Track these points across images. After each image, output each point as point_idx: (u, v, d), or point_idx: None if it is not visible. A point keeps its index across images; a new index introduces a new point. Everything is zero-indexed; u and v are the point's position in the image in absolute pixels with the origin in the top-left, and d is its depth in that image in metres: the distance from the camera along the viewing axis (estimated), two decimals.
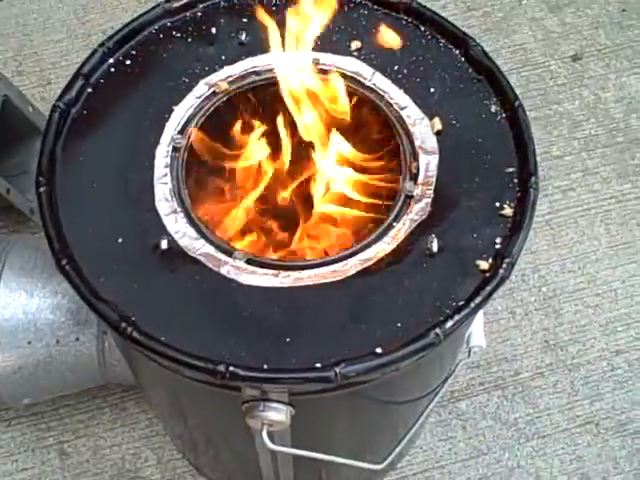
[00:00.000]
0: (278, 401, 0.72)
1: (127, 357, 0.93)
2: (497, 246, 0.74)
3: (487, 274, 0.72)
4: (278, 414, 0.73)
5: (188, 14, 0.90)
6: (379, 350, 0.67)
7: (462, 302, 0.70)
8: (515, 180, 0.77)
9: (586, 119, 1.55)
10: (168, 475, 1.20)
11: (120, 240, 0.75)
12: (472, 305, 0.69)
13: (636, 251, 1.39)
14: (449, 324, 0.68)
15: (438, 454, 1.22)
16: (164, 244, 0.74)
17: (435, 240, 0.74)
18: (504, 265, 0.71)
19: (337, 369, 0.66)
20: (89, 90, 0.84)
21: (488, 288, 0.70)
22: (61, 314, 1.07)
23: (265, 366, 0.67)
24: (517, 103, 0.81)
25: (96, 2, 1.72)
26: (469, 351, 0.95)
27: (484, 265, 0.72)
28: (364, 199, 0.83)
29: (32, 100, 1.53)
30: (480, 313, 0.81)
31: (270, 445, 0.75)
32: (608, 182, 1.47)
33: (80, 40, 1.67)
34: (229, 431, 0.93)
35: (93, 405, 1.25)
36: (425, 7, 0.89)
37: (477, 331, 0.95)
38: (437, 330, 0.68)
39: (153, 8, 0.89)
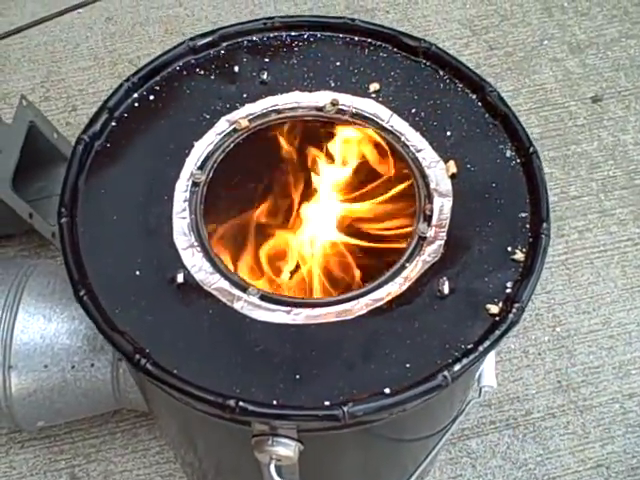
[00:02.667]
0: (287, 436, 0.73)
1: (140, 386, 0.95)
2: (508, 290, 0.74)
3: (497, 318, 0.72)
4: (286, 449, 0.73)
5: (212, 52, 0.92)
6: (387, 390, 0.68)
7: (471, 345, 0.71)
8: (527, 225, 0.78)
9: (604, 160, 1.55)
10: None
11: (138, 272, 0.76)
12: (481, 349, 0.70)
13: None
14: (457, 367, 0.69)
15: None
16: (180, 277, 0.76)
17: (446, 282, 0.75)
18: (514, 310, 0.71)
19: (345, 408, 0.66)
20: (113, 124, 0.86)
21: (497, 332, 0.71)
22: (77, 340, 1.09)
23: (274, 402, 0.68)
24: (531, 149, 0.81)
25: (124, 32, 1.77)
26: (480, 390, 0.95)
27: (494, 309, 0.73)
28: (378, 238, 0.84)
29: (58, 125, 1.57)
30: (492, 353, 0.82)
31: (278, 479, 0.76)
32: (625, 224, 1.47)
33: (107, 68, 1.71)
34: (238, 462, 0.93)
35: (105, 430, 1.26)
36: (444, 51, 0.90)
37: (488, 371, 0.95)
38: (445, 373, 0.68)
39: (178, 46, 0.91)
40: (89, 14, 1.80)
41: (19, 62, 1.71)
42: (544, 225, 0.76)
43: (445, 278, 0.75)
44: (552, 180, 1.52)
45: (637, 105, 1.63)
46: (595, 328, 1.36)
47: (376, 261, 0.87)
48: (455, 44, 1.73)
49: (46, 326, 1.08)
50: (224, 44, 0.92)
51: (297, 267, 0.88)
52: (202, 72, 0.90)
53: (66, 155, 1.42)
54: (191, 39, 0.91)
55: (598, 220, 1.48)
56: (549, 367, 1.32)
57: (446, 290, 0.75)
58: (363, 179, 0.87)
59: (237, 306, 0.74)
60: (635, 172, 1.54)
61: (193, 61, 0.91)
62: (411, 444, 0.95)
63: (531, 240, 0.77)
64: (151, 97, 0.88)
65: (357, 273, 0.86)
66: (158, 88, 0.89)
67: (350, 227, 0.85)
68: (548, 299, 1.39)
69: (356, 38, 0.93)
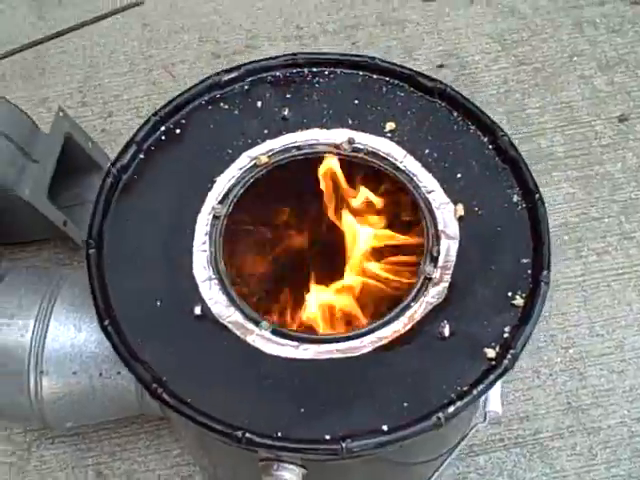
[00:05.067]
0: (291, 462, 0.78)
1: None
2: (505, 335, 0.78)
3: (493, 362, 0.76)
4: (291, 474, 0.78)
5: (236, 87, 0.96)
6: (385, 427, 0.73)
7: (466, 387, 0.75)
8: (529, 271, 0.82)
9: (627, 182, 1.56)
10: None
11: (159, 303, 0.82)
12: (474, 393, 0.74)
13: None
14: (451, 409, 0.73)
15: None
16: (198, 310, 0.81)
17: (447, 325, 0.79)
18: (509, 356, 0.75)
19: (344, 444, 0.71)
20: (141, 156, 0.91)
21: (491, 377, 0.75)
22: (105, 349, 1.14)
23: (279, 434, 0.73)
24: (537, 196, 0.85)
25: (159, 38, 1.81)
26: (485, 415, 0.99)
27: (491, 353, 0.77)
28: (386, 275, 0.88)
29: (94, 132, 1.63)
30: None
31: None
32: None
33: (142, 74, 1.76)
34: (248, 476, 0.99)
35: (130, 431, 1.33)
36: (458, 93, 0.93)
37: (494, 396, 0.98)
38: (439, 414, 0.73)
39: (204, 80, 0.96)
40: (126, 20, 1.85)
41: (58, 66, 1.77)
42: (544, 273, 0.80)
43: (446, 321, 0.79)
44: (574, 201, 1.54)
45: None
46: (608, 351, 1.38)
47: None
48: (484, 58, 1.75)
49: (76, 335, 1.14)
50: (248, 79, 0.97)
51: (309, 301, 0.93)
52: (226, 106, 0.95)
53: (100, 164, 1.48)
54: (217, 74, 0.96)
55: (617, 243, 1.49)
56: (560, 388, 1.35)
57: (447, 333, 0.79)
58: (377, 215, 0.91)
59: (250, 339, 0.79)
60: None
61: (218, 95, 0.96)
62: (416, 466, 1.00)
63: (531, 286, 0.81)
64: (177, 130, 0.93)
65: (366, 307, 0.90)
66: (184, 121, 0.94)
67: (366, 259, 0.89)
68: (563, 320, 1.41)
69: (375, 76, 0.96)
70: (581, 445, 1.30)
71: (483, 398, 0.97)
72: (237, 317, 0.81)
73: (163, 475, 1.29)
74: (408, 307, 0.81)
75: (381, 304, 0.90)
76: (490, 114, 1.61)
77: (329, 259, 0.94)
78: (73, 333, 1.15)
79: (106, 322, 0.79)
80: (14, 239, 1.50)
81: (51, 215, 1.34)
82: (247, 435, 0.72)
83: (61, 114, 1.38)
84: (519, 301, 0.80)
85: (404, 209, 0.92)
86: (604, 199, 1.55)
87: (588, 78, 1.71)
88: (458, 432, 1.00)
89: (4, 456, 1.31)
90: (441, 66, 1.73)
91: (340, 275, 0.91)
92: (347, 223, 0.90)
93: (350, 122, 0.93)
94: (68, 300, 1.17)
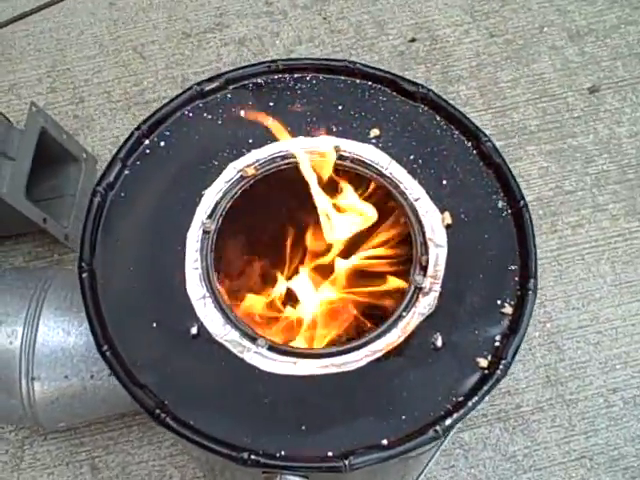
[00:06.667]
0: (294, 474, 0.81)
1: None
2: (496, 343, 0.81)
3: (486, 371, 0.79)
4: None
5: (219, 96, 0.96)
6: (385, 442, 0.75)
7: (461, 398, 0.78)
8: (516, 278, 0.84)
9: (599, 154, 1.59)
10: None
11: (154, 324, 0.83)
12: (469, 404, 0.77)
13: (639, 290, 1.45)
14: (448, 422, 0.76)
15: None
16: (194, 329, 0.82)
17: (440, 336, 0.81)
18: (501, 366, 0.78)
19: (346, 461, 0.74)
20: (126, 172, 0.90)
21: (485, 388, 0.77)
22: (95, 351, 1.15)
23: (282, 452, 0.75)
24: (522, 203, 0.86)
25: (127, 18, 1.78)
26: None
27: (483, 362, 0.79)
28: (375, 284, 0.90)
29: (66, 118, 1.61)
30: None
31: None
32: (617, 219, 1.52)
33: (112, 57, 1.73)
34: None
35: (123, 423, 1.35)
36: (440, 97, 0.93)
37: None
38: (437, 427, 0.75)
39: (186, 90, 0.95)
40: None
41: (25, 50, 1.73)
42: (531, 281, 0.82)
43: (438, 332, 0.81)
44: (548, 175, 1.57)
45: (633, 96, 1.65)
46: (584, 324, 1.43)
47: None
48: (455, 31, 1.74)
49: (65, 339, 1.15)
50: (231, 87, 0.96)
51: (299, 311, 0.94)
52: (210, 117, 0.94)
53: (75, 155, 1.47)
54: (198, 84, 0.95)
55: (591, 215, 1.53)
56: (539, 362, 1.40)
57: (439, 343, 0.81)
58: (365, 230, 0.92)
59: (247, 357, 0.81)
60: (628, 166, 1.58)
61: (201, 105, 0.95)
62: (410, 463, 1.03)
63: (519, 293, 0.83)
64: (162, 143, 0.93)
65: (359, 316, 0.92)
66: (168, 133, 0.93)
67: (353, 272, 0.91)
68: (540, 295, 1.43)
69: (357, 81, 0.96)
70: (560, 417, 1.36)
71: None
72: (233, 335, 0.82)
73: (157, 465, 1.32)
74: (400, 318, 0.83)
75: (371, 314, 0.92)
76: (464, 89, 1.64)
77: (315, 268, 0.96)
78: (62, 337, 1.16)
79: (104, 348, 0.80)
80: None
81: (30, 213, 1.33)
82: (252, 457, 0.74)
83: (34, 109, 1.36)
84: (508, 309, 0.82)
85: (391, 216, 0.93)
86: (577, 172, 1.58)
87: (559, 49, 1.72)
88: None
89: None
90: (413, 40, 1.72)
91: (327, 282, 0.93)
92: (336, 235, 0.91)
93: (335, 129, 0.93)
94: (55, 304, 1.17)
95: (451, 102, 0.93)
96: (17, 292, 1.19)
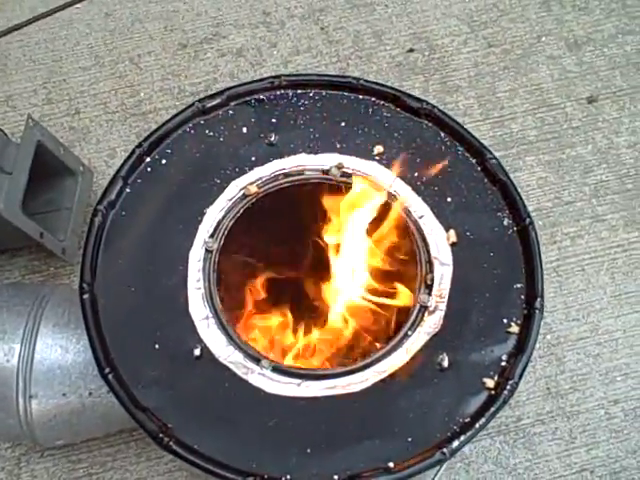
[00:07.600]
0: None
1: None
2: (503, 363, 0.80)
3: (492, 392, 0.78)
4: None
5: (220, 112, 0.95)
6: (391, 465, 0.75)
7: (468, 419, 0.77)
8: (522, 296, 0.84)
9: (598, 164, 1.59)
10: None
11: (157, 346, 0.82)
12: (477, 426, 0.76)
13: (639, 301, 1.45)
14: (455, 444, 0.75)
15: None
16: (197, 351, 0.81)
17: (446, 357, 0.80)
18: (508, 387, 0.77)
19: None
20: (127, 190, 0.89)
21: (492, 409, 0.77)
22: (93, 368, 1.14)
23: (288, 477, 0.75)
24: (528, 220, 0.86)
25: (123, 28, 1.76)
26: None
27: (490, 383, 0.79)
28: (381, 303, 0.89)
29: (62, 130, 1.60)
30: None
31: None
32: (615, 230, 1.52)
33: (108, 68, 1.71)
34: None
35: (120, 439, 1.33)
36: (445, 113, 0.93)
37: None
38: (444, 449, 0.75)
39: (187, 107, 0.94)
40: (88, 9, 1.79)
41: (20, 62, 1.71)
42: (538, 300, 0.81)
43: (445, 353, 0.80)
44: (547, 185, 1.56)
45: (631, 106, 1.65)
46: (584, 335, 1.42)
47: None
48: (454, 41, 1.74)
49: (63, 356, 1.14)
50: (232, 104, 0.95)
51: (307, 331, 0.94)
52: (212, 133, 0.94)
53: (72, 168, 1.45)
54: (199, 100, 0.94)
55: (590, 226, 1.52)
56: (539, 374, 1.39)
57: (445, 364, 0.80)
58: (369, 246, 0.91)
59: (251, 379, 0.80)
60: (627, 176, 1.57)
61: (202, 122, 0.94)
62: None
63: (525, 312, 0.82)
64: (163, 161, 0.92)
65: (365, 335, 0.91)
66: (170, 151, 0.92)
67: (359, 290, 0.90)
68: None
69: (360, 97, 0.96)
70: (561, 430, 1.35)
71: None
72: (237, 357, 0.81)
73: None
74: (406, 337, 0.82)
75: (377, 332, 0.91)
76: (462, 99, 1.64)
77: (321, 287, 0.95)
78: (60, 354, 1.14)
79: (106, 371, 0.79)
80: None
81: (27, 228, 1.31)
82: None
83: (31, 123, 1.35)
84: (514, 328, 0.82)
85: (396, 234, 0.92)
86: (576, 182, 1.57)
87: (557, 59, 1.72)
88: None
89: None
90: (411, 50, 1.71)
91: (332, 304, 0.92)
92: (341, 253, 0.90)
93: (338, 146, 0.93)
94: (53, 320, 1.16)
95: (451, 114, 0.93)
96: (14, 309, 1.17)
